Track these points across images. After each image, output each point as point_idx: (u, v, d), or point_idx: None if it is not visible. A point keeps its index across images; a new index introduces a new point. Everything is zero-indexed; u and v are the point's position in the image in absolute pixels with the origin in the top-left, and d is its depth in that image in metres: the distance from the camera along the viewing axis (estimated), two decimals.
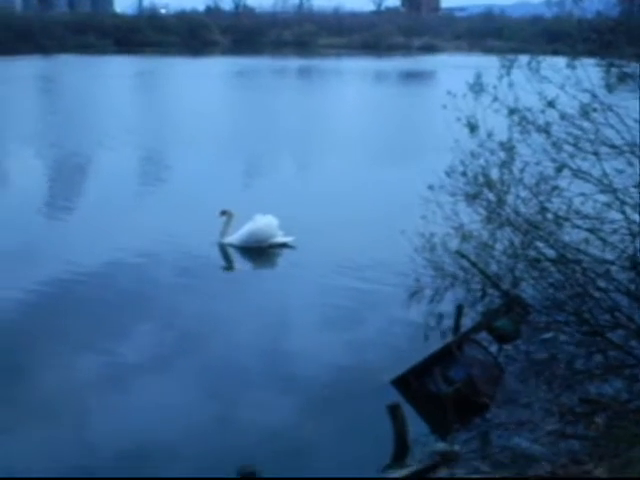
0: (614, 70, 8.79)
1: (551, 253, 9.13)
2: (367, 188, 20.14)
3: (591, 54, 8.94)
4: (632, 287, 8.67)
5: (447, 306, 11.40)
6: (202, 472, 7.85)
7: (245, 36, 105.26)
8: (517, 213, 9.29)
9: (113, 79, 55.95)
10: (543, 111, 8.86)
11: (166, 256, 14.39)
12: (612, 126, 8.58)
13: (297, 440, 8.46)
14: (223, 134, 30.49)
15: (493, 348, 9.74)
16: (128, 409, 9.18)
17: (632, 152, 8.52)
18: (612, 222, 8.72)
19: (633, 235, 8.61)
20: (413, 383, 8.75)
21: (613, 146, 8.58)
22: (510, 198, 9.39)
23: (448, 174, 9.65)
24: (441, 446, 8.06)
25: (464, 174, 9.53)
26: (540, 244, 9.22)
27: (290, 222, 15.48)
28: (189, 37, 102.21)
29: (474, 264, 10.30)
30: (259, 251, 15.09)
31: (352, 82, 56.79)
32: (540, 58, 9.10)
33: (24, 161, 24.77)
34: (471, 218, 9.94)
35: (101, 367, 10.11)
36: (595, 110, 8.54)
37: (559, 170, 8.84)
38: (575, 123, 8.67)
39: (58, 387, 9.59)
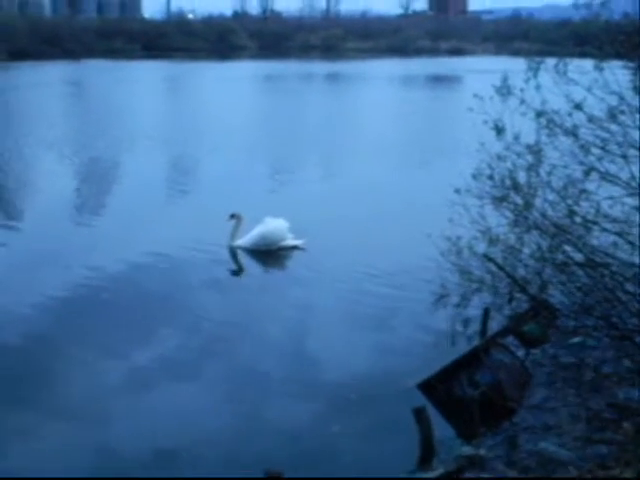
0: None
1: (579, 257, 9.06)
2: (392, 191, 20.11)
3: (619, 56, 8.85)
4: None
5: (474, 310, 11.34)
6: (225, 473, 7.84)
7: (272, 41, 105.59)
8: (545, 216, 9.23)
9: (141, 84, 56.39)
10: (570, 114, 8.80)
11: (187, 260, 14.47)
12: None
13: (322, 443, 8.46)
14: (250, 138, 30.57)
15: (520, 352, 9.67)
16: (151, 412, 9.21)
17: None
18: None
19: None
20: (439, 387, 8.70)
21: None
22: (538, 201, 9.33)
23: (475, 177, 9.61)
24: (467, 450, 8.02)
25: (491, 177, 9.49)
26: (568, 248, 9.15)
27: (312, 225, 15.53)
28: (217, 42, 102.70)
29: (501, 268, 10.23)
30: (272, 254, 15.13)
31: (379, 85, 56.73)
32: (567, 60, 9.04)
33: (52, 165, 25.02)
34: (498, 221, 9.88)
35: (125, 370, 10.16)
36: (623, 112, 8.47)
37: (587, 173, 8.77)
38: (603, 126, 8.59)
39: (83, 390, 9.65)
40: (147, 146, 28.22)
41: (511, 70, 9.72)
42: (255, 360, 10.50)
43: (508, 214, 9.60)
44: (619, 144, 8.54)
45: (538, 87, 9.08)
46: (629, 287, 8.63)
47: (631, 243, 8.71)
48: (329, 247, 15.09)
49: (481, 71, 47.14)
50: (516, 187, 9.34)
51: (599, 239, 8.99)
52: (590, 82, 8.67)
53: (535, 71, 9.10)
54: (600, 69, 8.64)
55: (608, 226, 8.82)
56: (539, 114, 9.04)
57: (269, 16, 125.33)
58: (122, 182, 22.77)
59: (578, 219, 8.96)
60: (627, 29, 8.76)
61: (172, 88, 55.29)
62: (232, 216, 15.09)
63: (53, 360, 10.50)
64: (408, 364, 10.05)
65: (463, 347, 9.86)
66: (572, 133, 8.80)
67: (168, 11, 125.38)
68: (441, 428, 8.34)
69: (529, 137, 9.36)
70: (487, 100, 9.27)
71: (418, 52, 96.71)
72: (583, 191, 8.95)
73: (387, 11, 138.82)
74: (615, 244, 8.86)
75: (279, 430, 8.69)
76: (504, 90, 9.20)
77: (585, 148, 8.72)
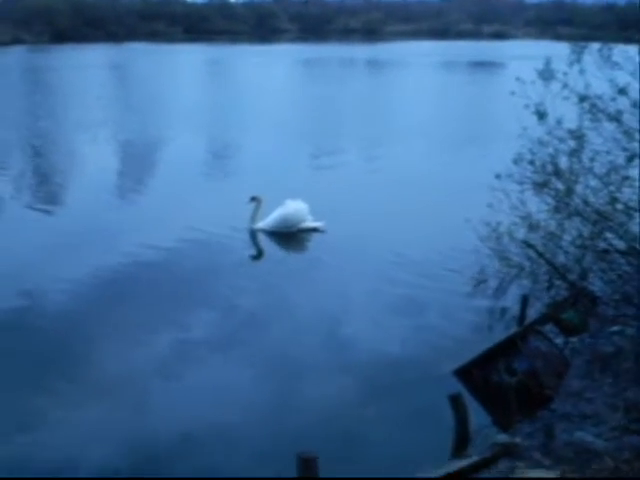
0: None
1: (620, 244, 8.94)
2: (431, 176, 20.02)
3: None
4: None
5: (512, 297, 11.23)
6: (258, 455, 7.89)
7: (313, 24, 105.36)
8: (586, 203, 9.11)
9: (183, 66, 56.59)
10: (614, 99, 8.66)
11: (219, 242, 14.58)
12: None
13: (355, 426, 8.43)
14: (289, 121, 30.55)
15: (559, 340, 9.56)
16: (186, 391, 9.27)
17: None
18: None
19: None
20: (476, 373, 8.63)
21: None
22: (579, 187, 9.22)
23: (516, 162, 9.50)
24: (502, 438, 7.95)
25: (532, 162, 9.38)
26: (609, 235, 9.03)
27: (349, 208, 15.50)
28: (257, 25, 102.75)
29: (541, 255, 10.12)
30: (293, 236, 15.21)
31: (419, 69, 56.31)
32: (612, 45, 8.89)
33: (92, 146, 25.25)
34: (539, 207, 9.78)
35: (162, 348, 10.26)
36: None
37: (630, 159, 8.64)
38: None
39: (118, 368, 9.74)
40: (188, 128, 28.33)
41: (554, 54, 9.58)
42: (288, 342, 10.51)
43: (549, 200, 9.50)
44: None
45: (582, 71, 8.94)
46: None
47: None
48: (362, 231, 15.09)
49: (523, 56, 46.58)
50: (558, 173, 9.23)
51: None
52: (634, 67, 8.53)
53: (579, 55, 8.96)
54: None
55: None
56: (582, 99, 8.91)
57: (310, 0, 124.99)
58: (162, 163, 22.91)
59: (620, 206, 8.83)
60: None
61: (213, 71, 55.39)
62: (252, 199, 15.14)
63: (88, 338, 10.60)
64: (443, 350, 9.99)
65: (500, 334, 9.75)
66: (615, 118, 8.67)
67: None
68: (476, 415, 8.29)
69: (572, 122, 9.22)
70: (529, 84, 9.16)
71: (460, 35, 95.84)
72: (626, 178, 8.82)
73: None
74: None
75: (312, 412, 8.68)
76: (547, 74, 9.08)
77: (629, 134, 8.58)
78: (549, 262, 10.11)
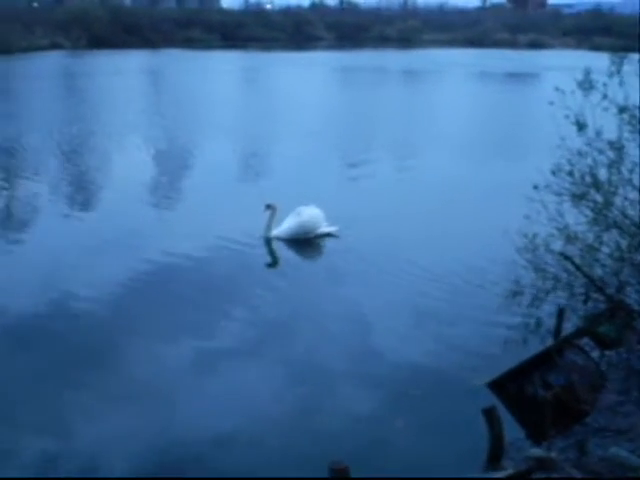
0: None
1: None
2: (468, 186, 19.90)
3: None
4: None
5: (547, 310, 11.09)
6: (286, 461, 7.89)
7: (349, 32, 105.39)
8: (625, 215, 9.00)
9: (219, 73, 56.86)
10: None
11: (243, 249, 14.63)
12: None
13: (386, 437, 8.41)
14: (322, 128, 30.55)
15: (595, 354, 9.43)
16: (213, 396, 9.31)
17: None
18: None
19: None
20: (510, 387, 8.54)
21: None
22: (618, 200, 9.11)
23: (554, 173, 9.41)
24: (537, 452, 7.85)
25: (570, 173, 9.28)
26: None
27: (380, 217, 15.46)
28: (293, 32, 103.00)
29: (578, 267, 9.98)
30: (310, 243, 15.18)
31: (456, 77, 56.11)
32: None
33: (128, 152, 25.48)
34: (576, 219, 9.67)
35: (186, 353, 10.33)
36: None
37: None
38: None
39: (145, 371, 9.84)
40: (221, 134, 28.46)
41: (591, 65, 9.50)
42: (316, 351, 10.49)
43: (587, 212, 9.39)
44: None
45: (621, 82, 8.84)
46: None
47: None
48: (393, 241, 15.04)
49: (560, 66, 46.29)
50: (596, 184, 9.13)
51: None
52: None
53: (618, 66, 8.87)
54: None
55: None
56: (622, 110, 8.81)
57: (346, 7, 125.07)
58: (193, 169, 23.02)
59: None
60: None
61: (249, 78, 55.58)
62: (267, 207, 15.04)
63: (116, 341, 10.73)
64: (477, 362, 9.92)
65: (535, 347, 9.64)
66: None
67: (246, 1, 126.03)
68: (510, 428, 8.20)
69: (611, 133, 9.12)
70: (568, 94, 9.08)
71: (496, 45, 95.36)
72: None
73: (465, 3, 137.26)
74: None
75: (342, 422, 8.66)
76: (586, 84, 8.99)
77: None
78: (586, 275, 9.98)
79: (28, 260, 14.00)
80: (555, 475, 7.45)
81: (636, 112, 8.77)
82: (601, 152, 9.12)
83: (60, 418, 8.71)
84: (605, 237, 9.48)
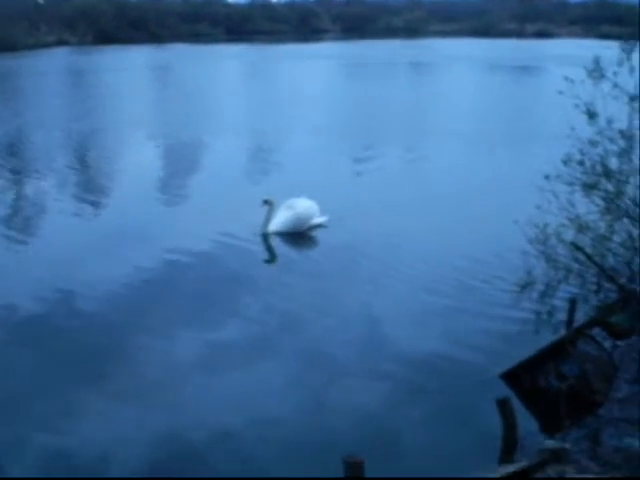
0: None
1: None
2: (478, 177, 19.84)
3: None
4: None
5: (559, 300, 11.06)
6: (298, 455, 7.88)
7: (355, 24, 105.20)
8: (636, 204, 8.96)
9: (224, 67, 56.83)
10: None
11: (251, 245, 14.57)
12: None
13: (400, 430, 8.37)
14: (328, 121, 30.50)
15: (607, 344, 9.39)
16: (223, 390, 9.31)
17: None
18: None
19: None
20: (524, 377, 8.50)
21: None
22: (629, 189, 9.05)
23: (565, 163, 9.36)
24: (551, 443, 7.80)
25: (581, 163, 9.23)
26: None
27: (387, 209, 15.39)
28: (299, 25, 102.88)
29: (590, 257, 9.94)
30: (303, 235, 15.13)
31: (462, 68, 55.91)
32: None
33: (136, 147, 25.53)
34: (588, 209, 9.62)
35: (196, 349, 10.31)
36: None
37: None
38: None
39: (153, 365, 9.86)
40: (229, 129, 28.44)
41: (598, 54, 9.43)
42: (326, 345, 10.43)
43: (598, 201, 9.34)
44: None
45: (632, 70, 8.79)
46: None
47: None
48: (405, 232, 14.98)
49: (567, 55, 46.12)
50: (607, 174, 9.08)
51: None
52: None
53: (628, 54, 8.81)
54: None
55: None
56: (632, 98, 8.76)
57: None
58: (199, 165, 22.95)
59: None
60: None
61: (255, 71, 55.50)
62: (265, 202, 14.90)
63: (124, 337, 10.73)
64: (489, 353, 9.88)
65: (547, 337, 9.61)
66: None
67: None
68: (523, 419, 8.17)
69: (622, 122, 9.07)
70: (578, 83, 9.02)
71: (503, 34, 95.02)
72: None
73: None
74: None
75: (354, 416, 8.62)
76: (596, 73, 8.94)
77: None
78: (598, 264, 9.94)
79: (36, 256, 14.04)
80: (569, 468, 7.41)
81: None
82: (612, 141, 9.07)
83: (70, 413, 8.72)
84: (617, 226, 9.45)
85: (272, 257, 14.43)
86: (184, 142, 26.04)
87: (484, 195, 17.44)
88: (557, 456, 7.53)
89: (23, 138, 27.23)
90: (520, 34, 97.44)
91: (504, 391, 8.31)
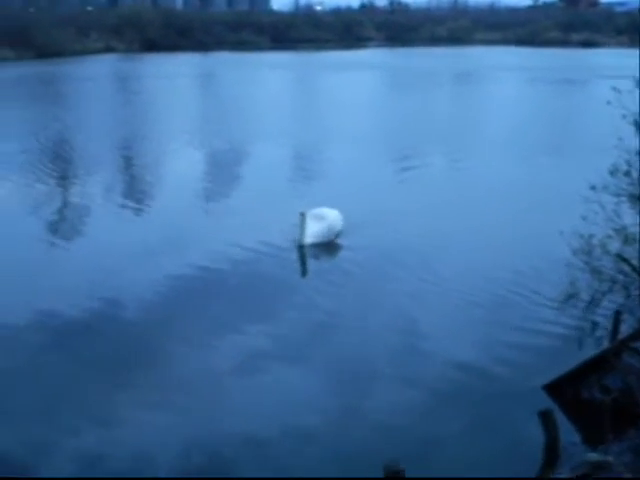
0: None
1: None
2: (524, 186, 19.63)
3: None
4: None
5: (603, 312, 10.92)
6: (338, 458, 7.91)
7: (399, 32, 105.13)
8: None
9: (268, 74, 57.09)
10: None
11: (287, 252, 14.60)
12: None
13: (440, 439, 8.35)
14: (373, 130, 30.45)
15: None
16: (260, 391, 9.36)
17: None
18: None
19: None
20: (566, 389, 8.44)
21: None
22: None
23: (612, 173, 9.26)
24: (593, 456, 7.74)
25: (628, 174, 9.13)
26: None
27: (438, 220, 15.28)
28: (343, 33, 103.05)
29: (635, 269, 9.83)
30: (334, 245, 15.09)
31: (507, 76, 55.46)
32: None
33: (180, 153, 25.74)
34: (634, 220, 9.51)
35: (235, 350, 10.42)
36: None
37: None
38: None
39: (194, 366, 9.95)
40: (271, 137, 28.50)
41: None
42: (365, 351, 10.43)
43: None
44: None
45: None
46: None
47: None
48: (450, 240, 14.92)
49: (615, 65, 45.56)
50: None
51: None
52: None
53: None
54: None
55: None
56: None
57: (396, 8, 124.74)
58: (241, 172, 23.00)
59: None
60: None
61: (299, 79, 55.69)
62: (301, 214, 14.74)
63: (163, 340, 10.87)
64: (531, 364, 9.80)
65: (591, 350, 9.52)
66: None
67: (296, 3, 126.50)
68: (564, 431, 8.10)
69: None
70: (626, 94, 8.94)
71: (548, 43, 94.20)
72: None
73: (516, 2, 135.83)
74: None
75: (394, 421, 8.63)
76: None
77: None
78: None
79: (76, 261, 14.27)
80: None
81: None
82: None
83: (112, 410, 8.89)
84: None
85: (305, 268, 14.42)
86: (226, 149, 26.19)
87: (529, 205, 17.27)
88: (599, 469, 7.46)
89: (68, 143, 27.61)
90: (565, 43, 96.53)
91: (545, 402, 8.26)
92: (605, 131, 9.69)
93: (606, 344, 9.59)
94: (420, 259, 13.98)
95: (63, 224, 17.10)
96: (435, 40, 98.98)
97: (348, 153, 24.96)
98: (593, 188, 9.49)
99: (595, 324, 10.82)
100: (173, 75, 54.74)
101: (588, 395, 8.43)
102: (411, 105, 38.85)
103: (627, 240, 9.68)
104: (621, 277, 10.28)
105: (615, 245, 10.09)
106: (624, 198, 9.31)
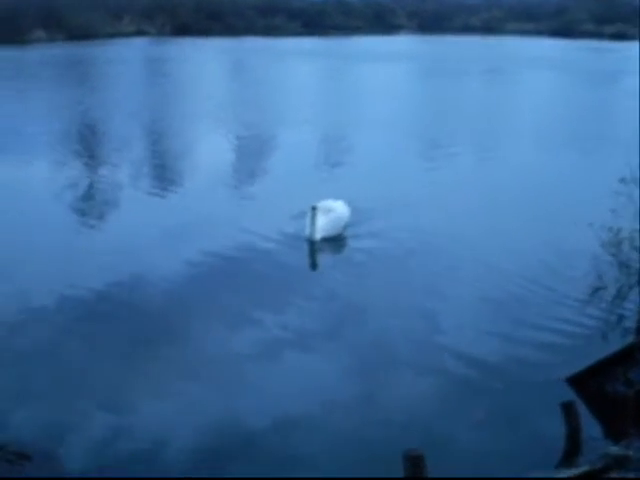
0: None
1: None
2: (551, 180, 19.53)
3: None
4: None
5: (630, 306, 10.86)
6: (357, 447, 7.94)
7: (431, 21, 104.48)
8: None
9: (298, 59, 57.01)
10: None
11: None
12: None
13: (461, 429, 8.36)
14: (402, 119, 30.34)
15: None
16: (279, 378, 9.44)
17: None
18: None
19: None
20: (590, 382, 8.42)
21: None
22: None
23: None
24: (615, 449, 7.72)
25: None
26: None
27: (465, 211, 15.25)
28: (375, 20, 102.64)
29: None
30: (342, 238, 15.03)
31: (540, 68, 55.00)
32: None
33: (208, 137, 25.86)
34: None
35: (257, 337, 10.48)
36: None
37: None
38: None
39: (211, 352, 10.03)
40: (299, 123, 28.50)
41: None
42: (385, 342, 10.43)
43: None
44: None
45: None
46: None
47: None
48: (476, 231, 14.89)
49: None
50: None
51: None
52: None
53: None
54: None
55: None
56: None
57: None
58: (268, 158, 22.99)
59: None
60: None
61: (328, 66, 55.55)
62: (313, 208, 14.49)
63: (188, 321, 10.98)
64: (556, 357, 9.77)
65: (617, 343, 9.48)
66: None
67: None
68: (587, 424, 8.08)
69: None
70: None
71: (581, 35, 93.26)
72: None
73: None
74: None
75: (413, 412, 8.66)
76: None
77: None
78: None
79: (105, 243, 14.43)
80: (632, 475, 7.32)
81: None
82: None
83: (136, 389, 9.04)
84: None
85: (315, 261, 14.34)
86: (254, 135, 26.23)
87: (558, 197, 17.17)
88: (620, 462, 7.45)
89: (97, 125, 27.80)
90: (598, 35, 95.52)
91: (568, 395, 8.24)
92: (636, 124, 9.59)
93: (632, 338, 9.55)
94: (446, 249, 13.96)
95: (93, 202, 17.35)
96: (468, 29, 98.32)
97: (378, 142, 24.86)
98: (622, 181, 9.43)
99: (621, 317, 10.77)
100: (204, 59, 54.82)
101: (612, 389, 8.41)
102: (442, 94, 38.66)
103: None
104: None
105: None
106: None
